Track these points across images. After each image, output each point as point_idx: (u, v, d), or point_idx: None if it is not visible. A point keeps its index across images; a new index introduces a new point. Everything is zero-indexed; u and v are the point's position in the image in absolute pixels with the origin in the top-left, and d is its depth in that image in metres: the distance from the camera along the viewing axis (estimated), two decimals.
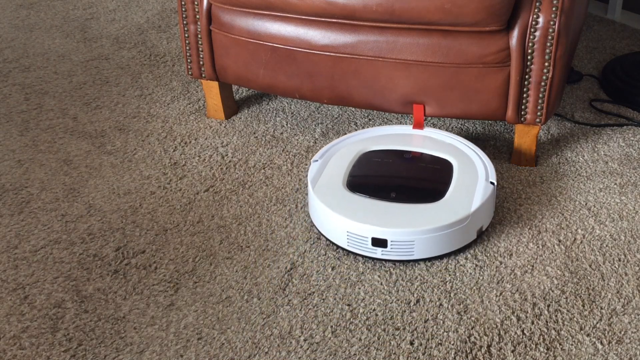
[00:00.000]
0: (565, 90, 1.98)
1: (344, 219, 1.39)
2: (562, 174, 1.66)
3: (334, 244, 1.45)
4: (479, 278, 1.37)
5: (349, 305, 1.33)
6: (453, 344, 1.24)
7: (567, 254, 1.43)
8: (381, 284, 1.37)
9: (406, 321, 1.29)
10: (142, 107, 1.98)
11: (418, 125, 1.64)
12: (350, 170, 1.52)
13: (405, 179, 1.48)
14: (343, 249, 1.43)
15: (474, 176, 1.49)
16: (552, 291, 1.34)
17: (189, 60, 1.82)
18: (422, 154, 1.56)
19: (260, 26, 1.68)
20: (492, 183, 1.47)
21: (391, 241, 1.37)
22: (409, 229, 1.36)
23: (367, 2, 1.52)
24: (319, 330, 1.27)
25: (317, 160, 1.55)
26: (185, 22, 1.78)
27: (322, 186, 1.48)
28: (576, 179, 1.64)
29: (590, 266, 1.40)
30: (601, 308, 1.31)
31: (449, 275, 1.39)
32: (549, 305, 1.31)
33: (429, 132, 1.64)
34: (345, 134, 1.82)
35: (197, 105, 1.97)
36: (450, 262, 1.41)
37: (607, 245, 1.45)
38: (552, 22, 1.51)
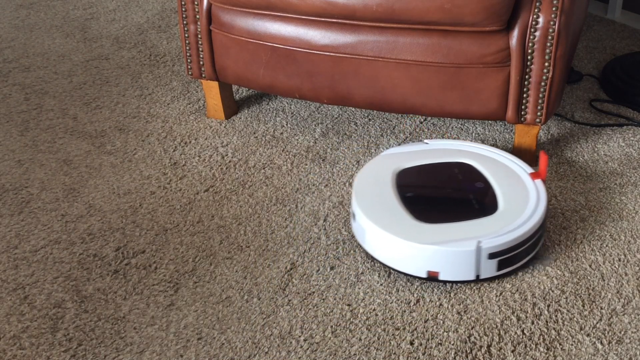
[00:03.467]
0: (565, 90, 1.98)
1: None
2: (562, 174, 1.66)
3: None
4: None
5: (349, 305, 1.33)
6: (453, 344, 1.24)
7: (567, 254, 1.43)
8: (381, 284, 1.37)
9: (406, 321, 1.29)
10: (142, 107, 1.98)
11: (539, 175, 1.48)
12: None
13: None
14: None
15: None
16: (552, 291, 1.34)
17: (189, 60, 1.82)
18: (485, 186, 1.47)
19: (260, 26, 1.68)
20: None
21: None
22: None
23: (367, 2, 1.52)
24: (319, 330, 1.27)
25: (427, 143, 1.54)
26: (185, 22, 1.78)
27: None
28: (576, 179, 1.64)
29: (590, 266, 1.40)
30: (601, 308, 1.31)
31: None
32: (549, 305, 1.31)
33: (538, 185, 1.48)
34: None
35: (197, 105, 1.97)
36: None
37: (607, 245, 1.45)
38: (552, 22, 1.51)
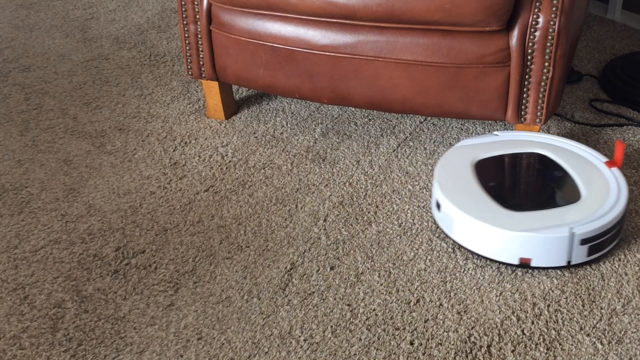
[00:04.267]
0: (565, 90, 1.98)
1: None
2: None
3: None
4: (479, 278, 1.37)
5: (349, 305, 1.33)
6: (453, 344, 1.24)
7: None
8: (381, 284, 1.37)
9: (406, 321, 1.29)
10: (142, 107, 1.98)
11: (615, 163, 1.51)
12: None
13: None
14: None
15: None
16: (552, 291, 1.34)
17: (189, 60, 1.82)
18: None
19: (260, 26, 1.68)
20: None
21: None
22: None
23: (367, 2, 1.52)
24: (319, 330, 1.27)
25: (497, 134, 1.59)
26: (185, 22, 1.78)
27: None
28: None
29: (590, 266, 1.40)
30: (601, 308, 1.31)
31: (449, 275, 1.39)
32: (549, 305, 1.31)
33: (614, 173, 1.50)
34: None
35: (197, 105, 1.97)
36: (450, 261, 1.41)
37: None
38: (552, 22, 1.51)
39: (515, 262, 1.37)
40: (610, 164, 1.50)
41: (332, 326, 1.28)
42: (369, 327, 1.28)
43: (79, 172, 1.71)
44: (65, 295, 1.36)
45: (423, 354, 1.22)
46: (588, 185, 1.45)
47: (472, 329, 1.27)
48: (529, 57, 1.55)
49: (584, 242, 1.35)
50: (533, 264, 1.37)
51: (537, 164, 1.52)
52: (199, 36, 1.78)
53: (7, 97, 2.05)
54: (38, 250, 1.47)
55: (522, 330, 1.26)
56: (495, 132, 1.62)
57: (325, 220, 1.53)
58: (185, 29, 1.78)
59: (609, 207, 1.39)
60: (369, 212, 1.55)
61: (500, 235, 1.36)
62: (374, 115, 1.91)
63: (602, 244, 1.38)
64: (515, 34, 1.53)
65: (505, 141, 1.59)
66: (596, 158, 1.53)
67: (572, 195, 1.43)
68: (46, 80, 2.13)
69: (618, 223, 1.39)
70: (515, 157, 1.55)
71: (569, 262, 1.37)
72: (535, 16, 1.51)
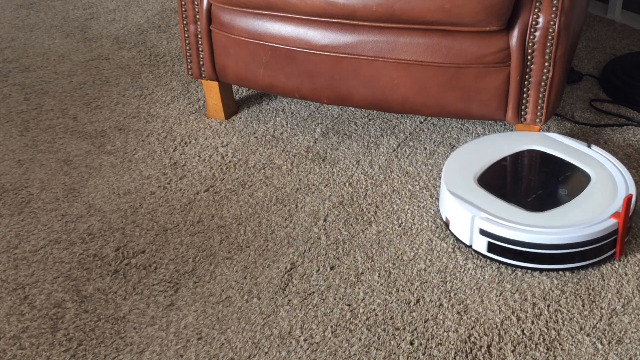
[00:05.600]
0: (565, 90, 1.98)
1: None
2: None
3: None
4: (479, 278, 1.38)
5: (349, 305, 1.33)
6: (453, 344, 1.24)
7: None
8: (381, 284, 1.37)
9: (406, 321, 1.29)
10: (142, 107, 1.98)
11: (618, 216, 1.36)
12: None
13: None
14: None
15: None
16: (552, 291, 1.34)
17: (189, 60, 1.82)
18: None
19: (260, 26, 1.68)
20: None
21: None
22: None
23: (367, 2, 1.52)
24: (319, 330, 1.27)
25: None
26: (185, 22, 1.78)
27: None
28: None
29: (590, 266, 1.40)
30: (601, 308, 1.31)
31: (449, 275, 1.39)
32: (549, 305, 1.31)
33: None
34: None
35: (197, 105, 1.97)
36: (450, 261, 1.41)
37: None
38: (552, 22, 1.51)
39: (444, 219, 1.48)
40: (615, 215, 1.37)
41: (332, 326, 1.28)
42: (369, 327, 1.28)
43: (79, 172, 1.72)
44: (65, 295, 1.36)
45: (423, 354, 1.23)
46: (566, 212, 1.39)
47: (472, 329, 1.27)
48: (529, 57, 1.55)
49: (482, 232, 1.38)
50: (451, 227, 1.45)
51: (566, 177, 1.48)
52: (199, 36, 1.78)
53: (7, 97, 2.05)
54: (38, 250, 1.47)
55: (522, 330, 1.26)
56: (592, 145, 1.56)
57: (325, 220, 1.53)
58: (185, 29, 1.78)
59: (535, 232, 1.34)
60: (369, 212, 1.55)
61: (443, 192, 1.47)
62: (374, 115, 1.91)
63: (505, 250, 1.36)
64: (515, 34, 1.53)
65: (581, 152, 1.55)
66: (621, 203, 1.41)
67: (537, 207, 1.40)
68: (46, 80, 2.13)
69: (534, 246, 1.34)
70: (560, 163, 1.52)
71: (471, 245, 1.42)
72: (535, 16, 1.51)
